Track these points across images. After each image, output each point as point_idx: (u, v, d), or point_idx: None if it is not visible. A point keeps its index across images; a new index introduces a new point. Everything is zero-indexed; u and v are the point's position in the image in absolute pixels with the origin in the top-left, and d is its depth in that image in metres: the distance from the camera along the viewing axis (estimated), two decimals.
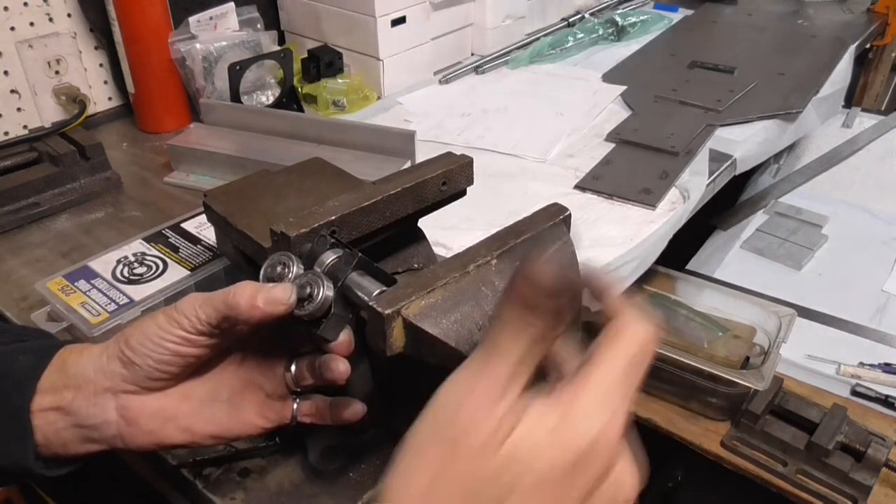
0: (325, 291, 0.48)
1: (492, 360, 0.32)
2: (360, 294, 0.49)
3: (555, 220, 0.56)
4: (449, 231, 0.78)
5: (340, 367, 0.51)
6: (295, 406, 0.55)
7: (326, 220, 0.56)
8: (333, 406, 0.55)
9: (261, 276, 0.51)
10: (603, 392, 0.32)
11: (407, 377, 0.58)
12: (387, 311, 0.45)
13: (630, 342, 0.34)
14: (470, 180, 0.67)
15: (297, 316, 0.48)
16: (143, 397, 0.50)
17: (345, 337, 0.50)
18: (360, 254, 0.50)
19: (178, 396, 0.51)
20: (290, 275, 0.50)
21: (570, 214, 0.57)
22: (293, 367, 0.53)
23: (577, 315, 0.55)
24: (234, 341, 0.53)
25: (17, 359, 0.51)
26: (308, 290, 0.48)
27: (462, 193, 0.68)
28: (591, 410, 0.32)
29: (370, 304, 0.46)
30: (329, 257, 0.51)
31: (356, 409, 0.55)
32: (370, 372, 0.59)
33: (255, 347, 0.54)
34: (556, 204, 0.58)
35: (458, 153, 0.67)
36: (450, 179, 0.65)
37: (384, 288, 0.49)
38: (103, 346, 0.51)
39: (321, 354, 0.52)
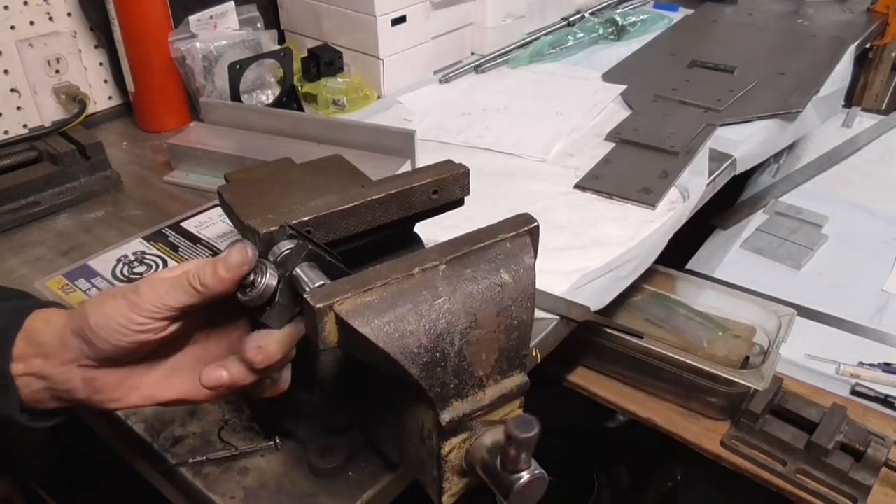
0: (268, 280, 0.48)
1: None
2: (302, 285, 0.49)
3: (518, 230, 0.53)
4: (448, 231, 0.77)
5: (248, 356, 0.49)
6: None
7: (300, 221, 0.56)
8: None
9: None
10: None
11: (379, 378, 0.58)
12: (318, 305, 0.45)
13: None
14: (466, 190, 0.65)
15: (241, 302, 0.49)
16: (106, 370, 0.51)
17: (290, 329, 0.50)
18: (310, 246, 0.50)
19: (141, 368, 0.52)
20: None
21: (537, 226, 0.54)
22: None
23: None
24: (200, 317, 0.53)
25: None
26: (251, 276, 0.48)
27: (459, 203, 0.66)
28: None
29: (304, 296, 0.46)
30: (284, 247, 0.51)
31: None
32: (340, 362, 0.59)
33: (222, 319, 0.54)
34: (524, 214, 0.55)
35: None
36: (442, 188, 0.63)
37: (327, 281, 0.48)
38: (67, 316, 0.51)
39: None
